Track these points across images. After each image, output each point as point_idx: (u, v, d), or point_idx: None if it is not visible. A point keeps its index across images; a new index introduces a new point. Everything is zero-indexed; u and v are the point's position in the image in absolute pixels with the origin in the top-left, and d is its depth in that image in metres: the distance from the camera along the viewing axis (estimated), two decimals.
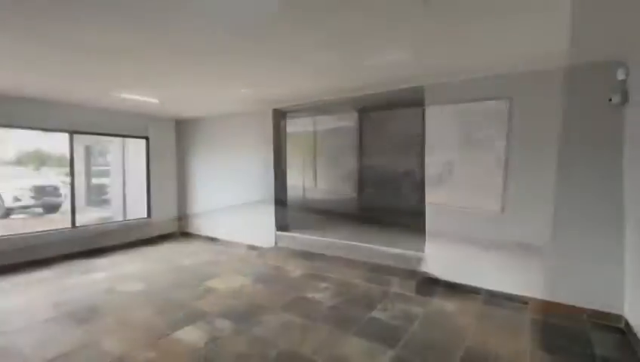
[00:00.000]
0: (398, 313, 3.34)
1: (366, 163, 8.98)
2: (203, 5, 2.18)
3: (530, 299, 3.49)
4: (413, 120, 7.72)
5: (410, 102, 6.10)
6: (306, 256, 5.10)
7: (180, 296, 3.86)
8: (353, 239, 5.06)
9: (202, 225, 7.03)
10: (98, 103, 5.48)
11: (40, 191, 10.91)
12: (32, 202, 10.65)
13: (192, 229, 7.24)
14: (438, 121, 4.06)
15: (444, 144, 4.03)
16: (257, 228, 5.98)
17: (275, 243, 5.76)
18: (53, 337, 2.91)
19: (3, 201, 10.18)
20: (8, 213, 10.21)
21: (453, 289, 3.94)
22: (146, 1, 2.14)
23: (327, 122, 10.71)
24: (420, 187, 4.39)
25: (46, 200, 10.96)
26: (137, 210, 7.17)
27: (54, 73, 3.74)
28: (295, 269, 4.83)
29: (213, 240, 6.77)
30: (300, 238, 5.52)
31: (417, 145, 5.17)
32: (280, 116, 5.91)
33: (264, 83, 4.22)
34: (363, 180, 9.04)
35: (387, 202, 8.52)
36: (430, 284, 4.08)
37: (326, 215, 8.01)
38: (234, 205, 6.38)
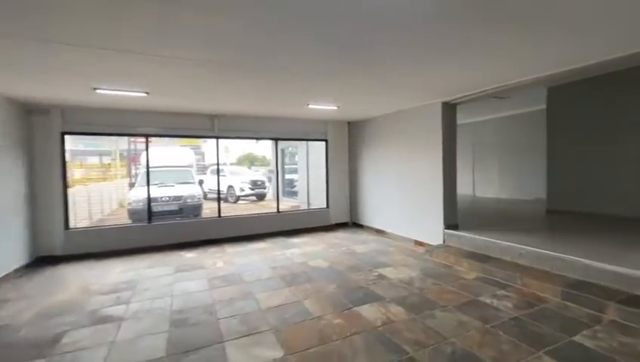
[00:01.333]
0: (619, 347, 2.62)
1: (561, 155, 7.23)
2: (380, 17, 2.44)
3: None
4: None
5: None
6: (479, 258, 4.70)
7: (356, 277, 4.41)
8: (542, 246, 4.26)
9: (370, 218, 7.63)
10: (291, 115, 6.90)
11: (254, 184, 14.61)
12: (250, 192, 14.39)
13: (361, 221, 7.98)
14: None
15: None
16: (424, 224, 5.96)
17: (444, 241, 5.58)
18: (272, 291, 3.97)
19: (234, 190, 14.27)
20: (237, 199, 14.19)
21: None
22: (339, 31, 2.60)
23: (504, 109, 9.29)
24: None
25: (257, 191, 14.61)
26: (318, 201, 8.55)
27: (264, 96, 5.03)
28: (468, 271, 4.55)
29: (380, 232, 7.23)
30: (472, 238, 5.12)
31: None
32: (449, 109, 5.63)
33: (436, 78, 4.18)
34: (555, 177, 7.33)
35: (592, 204, 6.59)
36: None
37: (502, 216, 7.02)
38: (400, 200, 6.59)
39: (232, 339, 2.86)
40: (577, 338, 2.76)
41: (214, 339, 2.87)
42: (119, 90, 4.45)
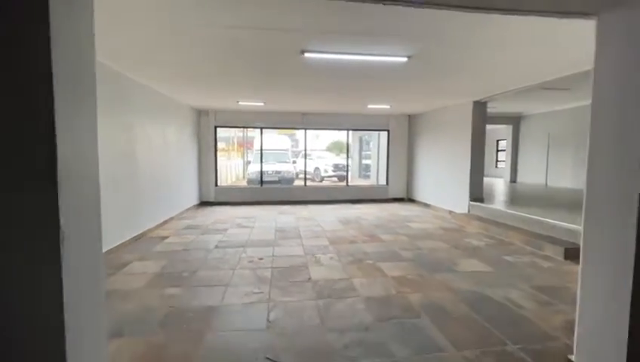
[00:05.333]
0: (527, 261, 4.25)
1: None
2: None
3: None
4: None
5: None
6: (488, 221, 6.25)
7: (390, 225, 6.56)
8: (538, 214, 5.60)
9: (420, 193, 9.41)
10: (358, 111, 9.14)
11: (336, 166, 17.30)
12: (332, 173, 17.16)
13: (414, 196, 9.80)
14: None
15: None
16: (456, 198, 7.58)
17: (468, 210, 7.15)
18: (334, 228, 6.45)
19: (320, 172, 17.25)
20: (322, 179, 17.14)
21: None
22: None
23: (581, 98, 9.49)
24: None
25: (339, 173, 17.28)
26: (382, 180, 10.64)
27: (336, 102, 7.42)
28: (472, 228, 6.21)
29: (426, 205, 8.99)
30: (488, 208, 6.62)
31: None
32: (479, 106, 7.05)
33: (467, 83, 5.75)
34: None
35: None
36: None
37: (545, 199, 7.95)
38: (441, 179, 8.25)
39: (306, 238, 5.48)
40: (506, 256, 4.46)
41: (297, 236, 5.54)
42: (249, 102, 7.49)
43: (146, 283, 3.48)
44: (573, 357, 2.05)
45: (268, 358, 2.18)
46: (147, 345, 2.35)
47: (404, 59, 3.85)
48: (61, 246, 1.24)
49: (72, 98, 1.35)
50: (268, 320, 2.71)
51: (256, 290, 3.31)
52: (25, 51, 1.17)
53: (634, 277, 1.68)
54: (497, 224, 6.03)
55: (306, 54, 3.68)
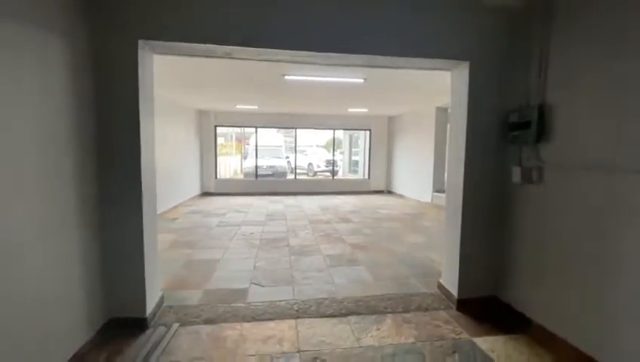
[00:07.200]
0: None
1: None
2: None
3: None
4: None
5: None
6: (444, 208, 7.50)
7: (363, 211, 7.81)
8: None
9: (397, 186, 10.67)
10: (341, 113, 10.35)
11: (327, 162, 18.53)
12: (324, 168, 18.39)
13: (392, 189, 11.06)
14: None
15: None
16: (422, 190, 8.83)
17: (432, 200, 8.41)
18: (314, 213, 7.70)
19: (313, 167, 18.47)
20: (315, 173, 18.36)
21: None
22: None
23: None
24: None
25: (330, 168, 18.51)
26: (365, 174, 11.87)
27: (320, 107, 8.61)
28: (430, 214, 7.48)
29: (401, 196, 10.25)
30: (444, 197, 7.87)
31: None
32: (441, 111, 8.27)
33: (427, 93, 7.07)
34: None
35: None
36: None
37: None
38: (411, 174, 9.50)
39: (290, 220, 6.72)
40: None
41: (283, 219, 6.78)
42: (246, 106, 8.68)
43: (168, 246, 4.72)
44: (441, 280, 3.30)
45: (253, 282, 3.43)
46: (175, 277, 3.60)
47: (361, 81, 5.06)
48: (143, 206, 2.49)
49: (145, 115, 2.59)
50: (254, 266, 3.95)
51: (247, 251, 4.55)
52: (123, 93, 2.41)
53: (462, 219, 2.93)
54: None
55: (286, 77, 4.89)
